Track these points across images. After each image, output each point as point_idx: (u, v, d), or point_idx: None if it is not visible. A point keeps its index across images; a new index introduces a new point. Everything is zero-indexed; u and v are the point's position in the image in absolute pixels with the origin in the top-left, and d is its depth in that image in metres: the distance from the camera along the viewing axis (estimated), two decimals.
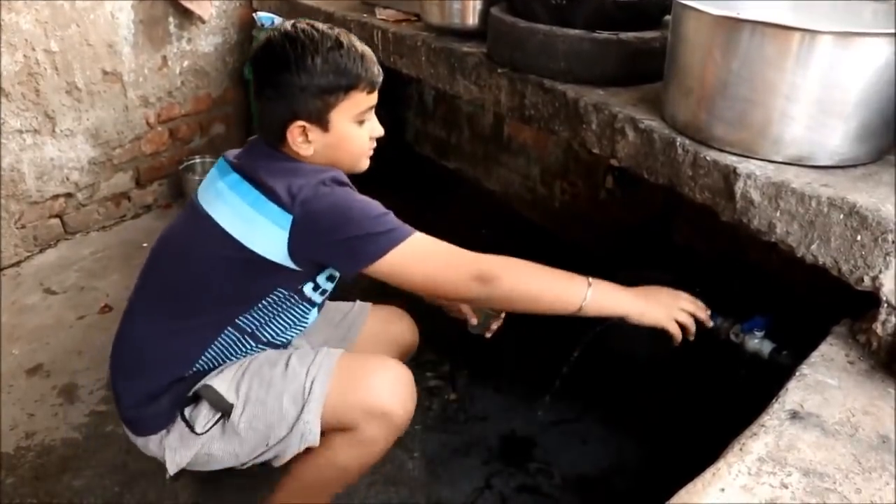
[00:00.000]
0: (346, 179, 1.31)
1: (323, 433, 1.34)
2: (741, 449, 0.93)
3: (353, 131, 1.33)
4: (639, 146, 1.41)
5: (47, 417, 2.01)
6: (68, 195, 2.84)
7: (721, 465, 0.91)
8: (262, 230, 1.24)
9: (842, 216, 1.09)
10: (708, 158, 1.26)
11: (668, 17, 1.47)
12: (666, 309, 1.29)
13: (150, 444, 1.40)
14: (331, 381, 1.33)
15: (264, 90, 1.30)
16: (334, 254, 1.27)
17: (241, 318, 1.36)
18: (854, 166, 1.22)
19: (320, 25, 1.30)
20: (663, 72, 1.42)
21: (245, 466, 1.41)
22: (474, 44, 1.94)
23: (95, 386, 2.13)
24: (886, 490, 0.88)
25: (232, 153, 1.42)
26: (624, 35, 1.57)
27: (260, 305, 1.36)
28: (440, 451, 1.89)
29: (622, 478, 1.86)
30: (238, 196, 1.28)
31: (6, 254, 2.68)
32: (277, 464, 1.39)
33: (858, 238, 1.08)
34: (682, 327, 1.30)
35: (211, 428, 1.35)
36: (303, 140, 1.30)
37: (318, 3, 2.71)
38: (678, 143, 1.32)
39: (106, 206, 3.00)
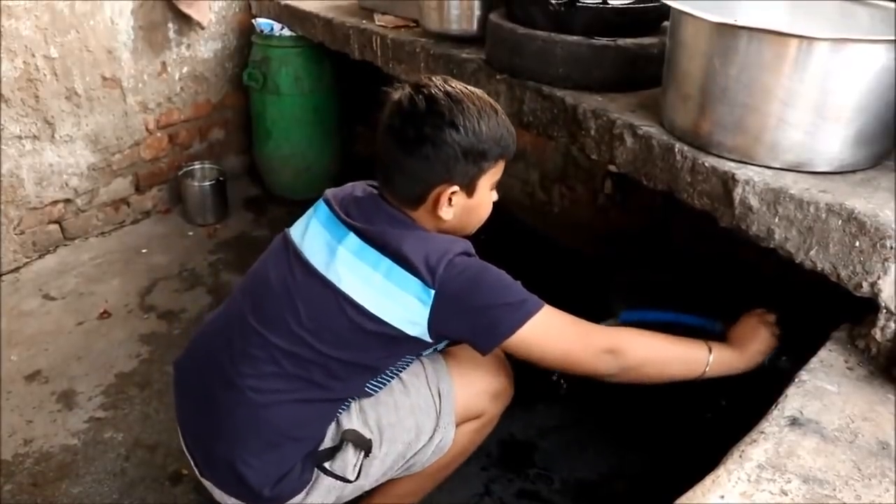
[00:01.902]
0: (473, 251, 1.28)
1: None
2: (741, 455, 0.93)
3: (487, 198, 1.31)
4: (637, 152, 1.42)
5: (46, 424, 2.01)
6: (67, 201, 2.83)
7: (721, 471, 0.90)
8: (402, 304, 1.20)
9: (840, 222, 1.09)
10: (706, 164, 1.27)
11: (666, 24, 1.48)
12: (765, 344, 1.35)
13: None
14: (453, 382, 1.40)
15: (423, 147, 1.20)
16: (473, 328, 1.24)
17: (369, 384, 1.34)
18: (852, 172, 1.22)
19: (473, 88, 1.27)
20: (661, 78, 1.42)
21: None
22: (473, 50, 1.95)
23: (94, 392, 2.12)
24: (886, 497, 0.87)
25: (336, 200, 1.32)
26: (622, 41, 1.58)
27: (387, 371, 1.35)
28: None
29: (622, 483, 1.85)
30: (368, 266, 1.22)
31: (5, 260, 2.68)
32: (405, 475, 1.44)
33: (857, 244, 1.08)
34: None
35: (360, 470, 1.32)
36: (447, 204, 1.25)
37: (317, 9, 2.71)
38: (676, 149, 1.32)
39: (105, 212, 3.00)
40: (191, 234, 3.07)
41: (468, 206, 1.28)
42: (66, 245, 2.89)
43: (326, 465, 1.31)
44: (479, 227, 1.37)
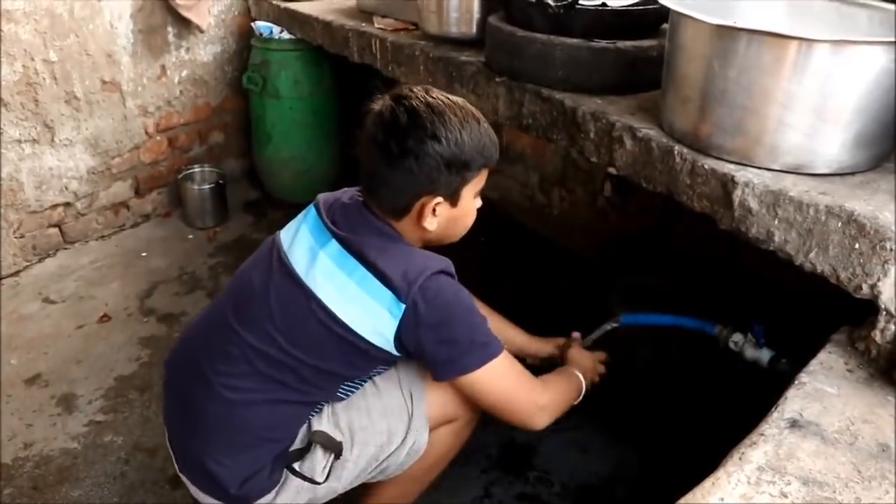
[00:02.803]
0: (453, 270, 1.28)
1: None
2: (740, 458, 0.93)
3: (471, 206, 1.32)
4: (637, 154, 1.42)
5: (45, 427, 2.01)
6: (67, 204, 2.83)
7: (720, 474, 0.90)
8: (372, 314, 1.21)
9: (840, 224, 1.09)
10: (706, 167, 1.27)
11: (665, 26, 1.48)
12: (590, 374, 1.60)
13: None
14: (425, 385, 1.39)
15: (406, 160, 1.20)
16: (433, 356, 1.25)
17: (341, 388, 1.34)
18: (852, 174, 1.22)
19: (454, 97, 1.26)
20: (661, 80, 1.42)
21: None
22: (472, 52, 1.95)
23: (94, 395, 2.12)
24: (886, 499, 0.87)
25: (325, 206, 1.33)
26: (621, 43, 1.58)
27: (363, 378, 1.36)
28: None
29: (622, 486, 1.85)
30: (344, 273, 1.23)
31: (5, 263, 2.68)
32: (380, 478, 1.43)
33: (856, 246, 1.08)
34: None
35: (330, 472, 1.33)
36: (431, 215, 1.26)
37: (316, 12, 2.72)
38: (676, 152, 1.32)
39: (105, 215, 3.00)
40: (190, 237, 3.07)
41: (452, 215, 1.29)
42: (65, 249, 2.89)
43: (295, 466, 1.31)
44: (471, 232, 1.37)
